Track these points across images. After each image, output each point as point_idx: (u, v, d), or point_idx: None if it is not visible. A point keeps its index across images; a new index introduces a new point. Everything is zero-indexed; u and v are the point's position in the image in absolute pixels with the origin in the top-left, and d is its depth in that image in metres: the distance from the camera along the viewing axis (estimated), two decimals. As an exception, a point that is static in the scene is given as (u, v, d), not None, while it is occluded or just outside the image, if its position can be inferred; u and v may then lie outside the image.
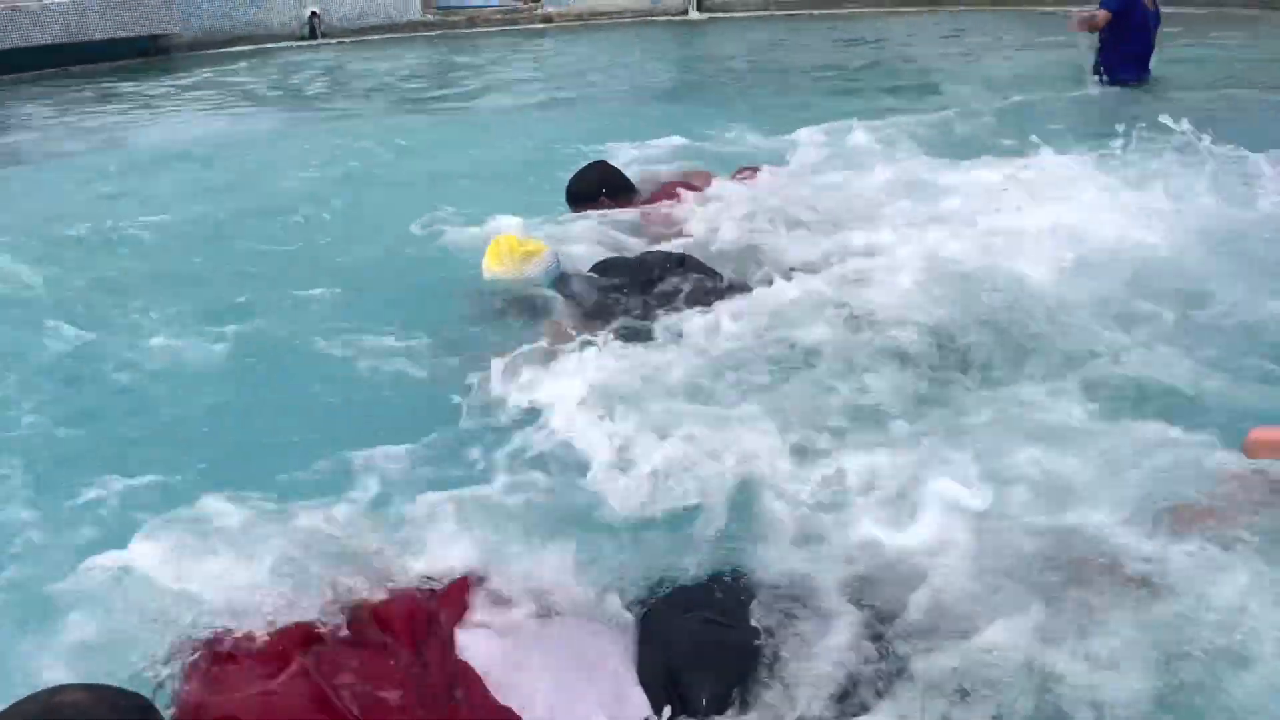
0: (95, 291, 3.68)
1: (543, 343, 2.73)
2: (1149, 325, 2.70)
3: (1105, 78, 6.17)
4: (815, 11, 13.10)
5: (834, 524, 1.88)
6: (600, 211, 3.78)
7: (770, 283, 2.96)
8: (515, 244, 3.25)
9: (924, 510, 1.85)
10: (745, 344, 2.68)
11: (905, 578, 1.69)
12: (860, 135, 4.88)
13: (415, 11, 13.86)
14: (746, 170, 4.23)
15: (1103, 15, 6.06)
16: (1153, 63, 6.23)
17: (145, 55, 12.14)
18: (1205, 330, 2.66)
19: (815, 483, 2.01)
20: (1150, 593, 1.58)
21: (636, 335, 2.79)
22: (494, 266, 3.22)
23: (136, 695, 1.27)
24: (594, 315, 2.98)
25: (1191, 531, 1.65)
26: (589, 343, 2.67)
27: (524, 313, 3.08)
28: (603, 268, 3.23)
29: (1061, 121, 4.98)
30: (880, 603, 1.64)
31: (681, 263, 3.15)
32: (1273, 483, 1.74)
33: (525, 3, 14.31)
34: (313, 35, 13.46)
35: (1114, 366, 2.50)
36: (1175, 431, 2.07)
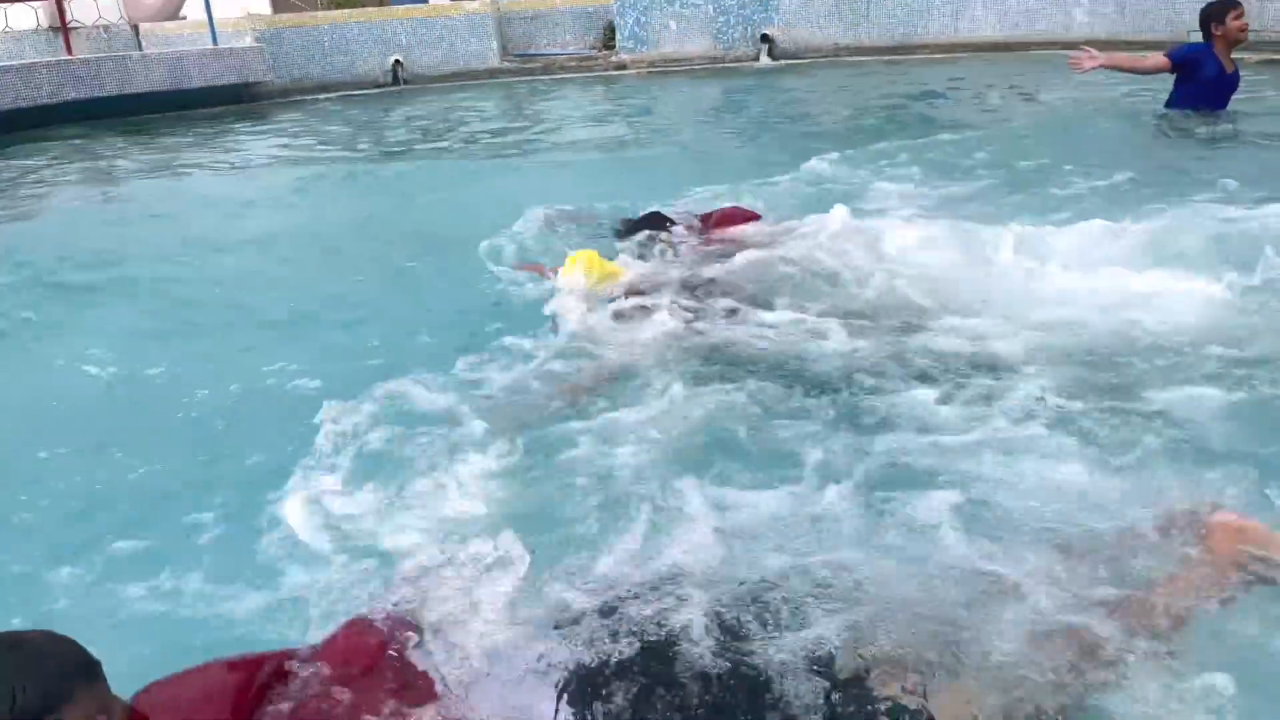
0: (196, 324, 3.93)
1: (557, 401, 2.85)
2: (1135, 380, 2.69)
3: (1174, 111, 6.11)
4: (885, 58, 13.18)
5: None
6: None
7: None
8: (597, 261, 3.38)
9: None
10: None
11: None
12: (889, 181, 4.99)
13: (494, 59, 14.31)
14: (727, 212, 4.24)
15: (1157, 61, 5.98)
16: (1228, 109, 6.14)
17: (239, 101, 12.74)
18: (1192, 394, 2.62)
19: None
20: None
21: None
22: (571, 279, 3.35)
23: (82, 651, 1.34)
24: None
25: (1135, 627, 1.62)
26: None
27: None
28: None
29: (1109, 169, 4.99)
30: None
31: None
32: (1231, 572, 1.70)
33: (599, 50, 14.67)
34: (396, 82, 13.98)
35: (1096, 426, 2.49)
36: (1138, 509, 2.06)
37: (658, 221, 4.02)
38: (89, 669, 1.32)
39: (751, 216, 4.20)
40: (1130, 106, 6.50)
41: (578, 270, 3.39)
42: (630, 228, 4.05)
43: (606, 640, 1.62)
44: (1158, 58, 5.99)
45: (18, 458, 2.84)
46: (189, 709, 1.41)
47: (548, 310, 3.40)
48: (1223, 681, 1.54)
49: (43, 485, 2.66)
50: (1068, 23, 12.47)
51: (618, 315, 3.26)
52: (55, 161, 8.82)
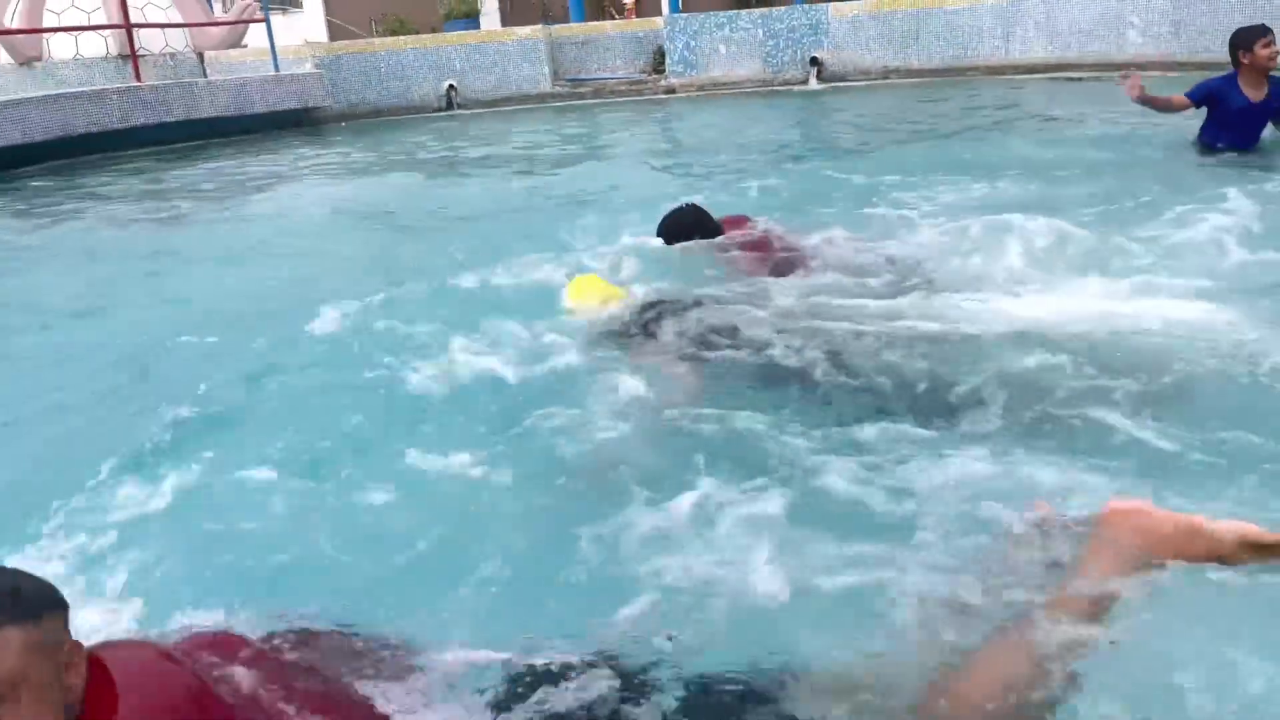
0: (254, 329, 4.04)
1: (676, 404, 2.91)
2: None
3: (1203, 144, 6.07)
4: (935, 80, 13.18)
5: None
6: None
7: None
8: (598, 284, 3.43)
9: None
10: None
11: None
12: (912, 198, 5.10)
13: (545, 84, 14.55)
14: (735, 220, 4.28)
15: (1180, 100, 5.94)
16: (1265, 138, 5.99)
17: (299, 125, 13.10)
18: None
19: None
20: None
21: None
22: (573, 302, 3.41)
23: (34, 594, 1.32)
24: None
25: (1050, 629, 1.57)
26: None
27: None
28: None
29: (1141, 195, 5.01)
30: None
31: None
32: (1129, 558, 1.60)
33: (649, 74, 14.85)
34: (450, 106, 14.28)
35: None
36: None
37: (700, 222, 4.02)
38: (25, 608, 1.28)
39: (741, 220, 4.25)
40: (1170, 136, 6.45)
41: (582, 296, 3.44)
42: (675, 230, 4.06)
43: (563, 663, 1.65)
44: (1180, 97, 5.95)
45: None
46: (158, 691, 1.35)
47: (555, 334, 3.43)
48: (1118, 670, 1.53)
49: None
50: (1121, 44, 12.38)
51: (621, 337, 3.28)
52: (121, 182, 9.16)
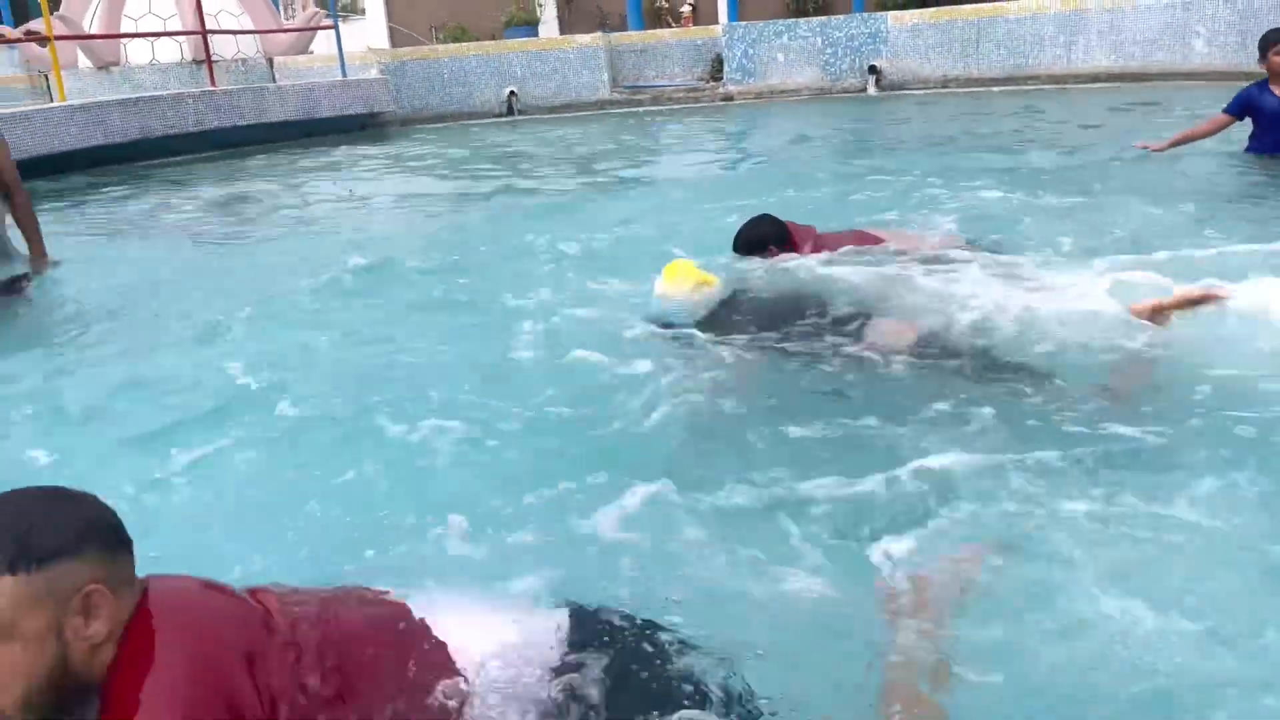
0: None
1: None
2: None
3: (1249, 152, 6.07)
4: (995, 89, 13.14)
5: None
6: (768, 261, 4.05)
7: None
8: (691, 270, 3.50)
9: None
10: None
11: None
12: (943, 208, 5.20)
13: (604, 91, 14.73)
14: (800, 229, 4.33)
15: (1220, 120, 5.99)
16: None
17: (364, 129, 13.41)
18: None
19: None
20: None
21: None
22: (666, 286, 3.49)
23: (115, 523, 1.37)
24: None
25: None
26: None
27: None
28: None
29: (1181, 204, 5.04)
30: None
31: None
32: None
33: (707, 82, 14.97)
34: (510, 112, 14.52)
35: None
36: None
37: (774, 233, 4.09)
38: (112, 540, 1.33)
39: (808, 230, 4.32)
40: (1218, 143, 6.42)
41: (674, 281, 3.52)
42: (749, 243, 4.13)
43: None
44: (1218, 116, 6.02)
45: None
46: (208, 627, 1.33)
47: (647, 320, 3.53)
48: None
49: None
50: (1186, 53, 12.26)
51: (705, 325, 3.36)
52: (197, 180, 9.47)
